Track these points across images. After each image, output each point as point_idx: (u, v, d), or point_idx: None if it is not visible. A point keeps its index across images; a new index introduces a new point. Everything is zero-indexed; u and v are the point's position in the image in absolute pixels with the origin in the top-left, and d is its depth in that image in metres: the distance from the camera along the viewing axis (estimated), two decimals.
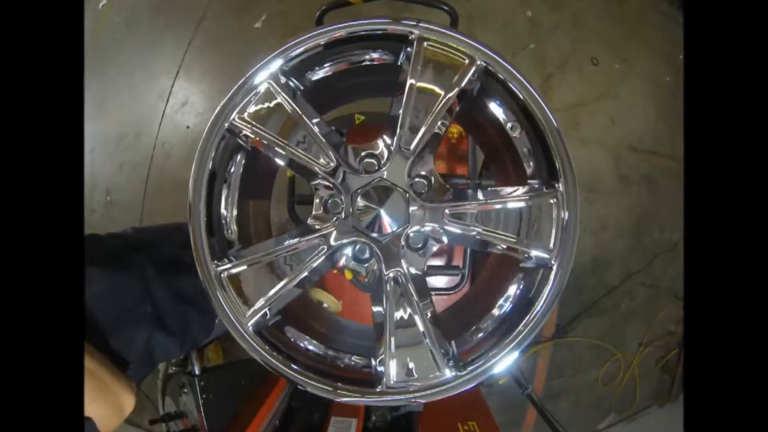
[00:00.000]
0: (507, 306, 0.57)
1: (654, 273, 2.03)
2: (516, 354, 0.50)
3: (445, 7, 0.74)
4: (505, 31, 2.02)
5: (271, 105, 0.51)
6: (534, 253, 0.50)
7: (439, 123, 0.50)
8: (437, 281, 0.95)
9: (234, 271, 0.51)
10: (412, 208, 0.52)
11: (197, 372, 0.98)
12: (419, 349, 0.50)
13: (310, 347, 0.59)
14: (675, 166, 2.01)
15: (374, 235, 0.52)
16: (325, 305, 0.91)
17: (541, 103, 0.49)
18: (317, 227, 0.53)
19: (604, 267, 2.00)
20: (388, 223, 0.52)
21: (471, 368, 0.50)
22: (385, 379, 0.50)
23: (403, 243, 0.52)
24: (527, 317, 0.50)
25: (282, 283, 0.52)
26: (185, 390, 1.01)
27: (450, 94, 0.49)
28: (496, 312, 0.57)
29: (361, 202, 0.52)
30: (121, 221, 2.19)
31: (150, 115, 2.21)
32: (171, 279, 0.68)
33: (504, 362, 0.50)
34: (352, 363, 0.58)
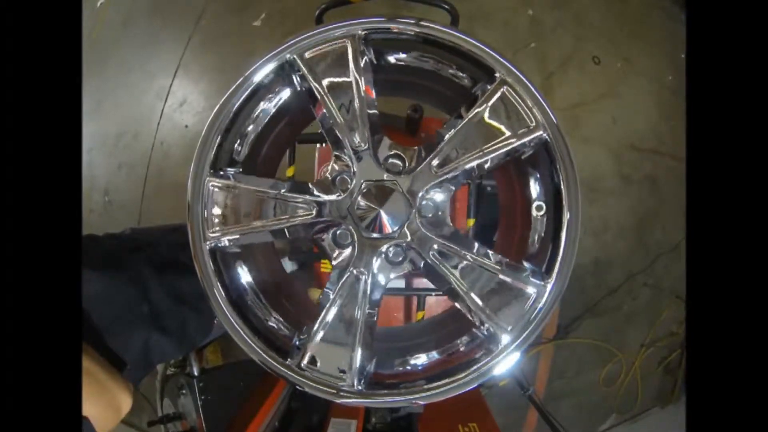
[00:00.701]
0: (425, 359, 0.58)
1: (656, 273, 2.02)
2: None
3: (446, 6, 0.73)
4: (506, 29, 2.01)
5: (337, 61, 0.50)
6: (490, 327, 0.50)
7: (477, 163, 0.50)
8: None
9: (223, 188, 0.52)
10: (409, 224, 0.52)
11: (196, 373, 0.98)
12: (341, 350, 0.50)
13: (246, 287, 0.58)
14: (677, 166, 2.00)
15: (364, 230, 0.52)
16: None
17: (577, 197, 0.49)
18: (315, 192, 0.53)
19: (605, 267, 1.99)
20: (381, 225, 0.52)
21: (377, 392, 0.50)
22: (296, 359, 0.50)
23: (383, 250, 0.52)
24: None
25: (260, 222, 0.52)
26: (184, 391, 1.01)
27: (503, 143, 0.49)
28: (414, 361, 0.58)
29: (366, 194, 0.52)
30: (119, 221, 2.19)
31: (148, 115, 2.21)
32: (169, 280, 0.68)
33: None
34: (274, 326, 0.57)
